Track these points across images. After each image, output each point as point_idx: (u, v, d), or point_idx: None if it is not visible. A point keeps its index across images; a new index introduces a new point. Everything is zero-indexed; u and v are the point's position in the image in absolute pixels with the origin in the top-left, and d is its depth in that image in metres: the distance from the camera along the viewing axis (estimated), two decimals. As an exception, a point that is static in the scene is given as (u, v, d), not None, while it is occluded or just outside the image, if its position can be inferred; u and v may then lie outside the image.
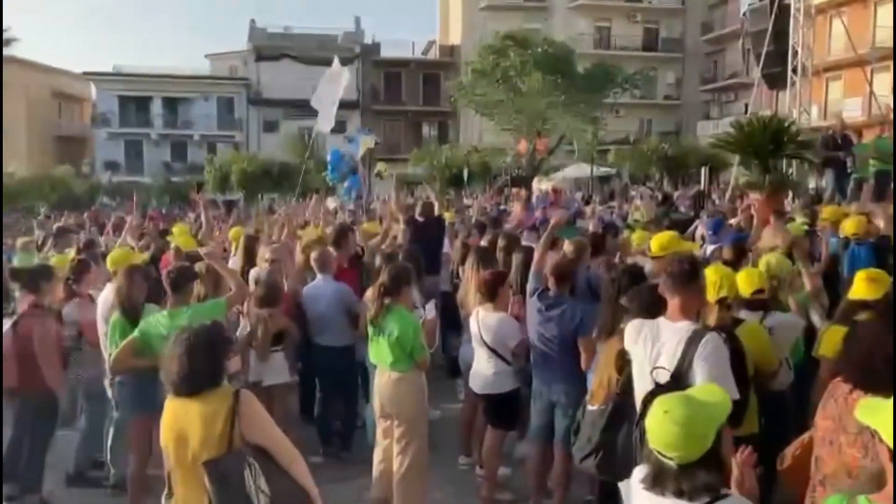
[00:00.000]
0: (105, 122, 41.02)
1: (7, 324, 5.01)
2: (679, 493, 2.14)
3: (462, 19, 42.38)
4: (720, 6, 41.78)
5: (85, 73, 42.18)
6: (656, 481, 2.19)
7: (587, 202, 18.00)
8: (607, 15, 43.26)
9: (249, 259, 6.59)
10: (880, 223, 6.48)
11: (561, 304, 4.51)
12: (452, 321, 6.60)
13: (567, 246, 5.15)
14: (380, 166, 22.58)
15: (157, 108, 41.81)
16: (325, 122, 13.63)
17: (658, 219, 10.16)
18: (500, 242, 6.26)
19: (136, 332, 4.46)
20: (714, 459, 2.15)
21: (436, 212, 8.47)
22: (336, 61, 14.20)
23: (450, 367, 7.12)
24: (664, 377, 3.09)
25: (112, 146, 40.99)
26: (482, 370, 4.94)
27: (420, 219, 8.16)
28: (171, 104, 41.98)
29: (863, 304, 3.89)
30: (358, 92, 42.23)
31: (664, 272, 3.30)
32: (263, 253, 6.39)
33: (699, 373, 3.00)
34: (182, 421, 2.74)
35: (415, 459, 4.60)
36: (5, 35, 34.86)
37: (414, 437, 4.62)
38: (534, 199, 18.74)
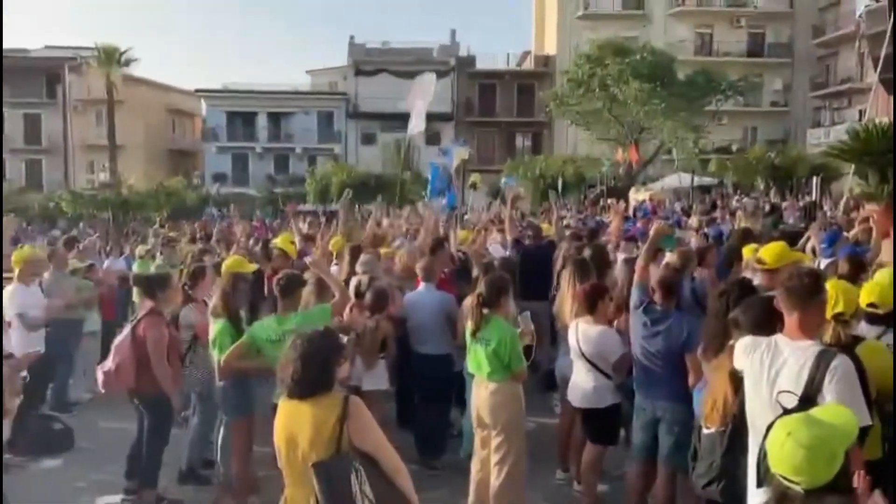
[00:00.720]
0: (214, 136, 43.24)
1: (127, 328, 5.36)
2: None
3: (557, 29, 42.11)
4: (831, 8, 39.66)
5: (196, 91, 44.64)
6: None
7: (687, 213, 17.42)
8: (709, 21, 41.88)
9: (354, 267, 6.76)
10: None
11: (668, 317, 4.38)
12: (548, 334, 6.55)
13: (672, 256, 4.99)
14: (474, 177, 22.67)
15: (261, 122, 43.70)
16: (415, 125, 13.86)
17: (766, 231, 9.74)
18: (589, 254, 6.16)
19: (245, 336, 4.67)
20: (843, 483, 2.03)
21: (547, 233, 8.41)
22: (428, 74, 14.39)
23: (545, 380, 7.06)
24: (790, 402, 2.92)
25: (220, 159, 43.14)
26: (581, 383, 4.87)
27: (527, 241, 8.16)
28: (274, 119, 43.77)
29: None
30: (452, 104, 42.69)
31: (782, 286, 3.09)
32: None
33: (830, 398, 2.82)
34: (294, 423, 2.84)
35: (512, 470, 4.58)
36: (126, 55, 37.42)
37: (511, 447, 4.60)
38: (630, 209, 18.32)
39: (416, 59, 43.34)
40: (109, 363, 5.23)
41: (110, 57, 36.84)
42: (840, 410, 2.35)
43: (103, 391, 5.53)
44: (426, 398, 6.05)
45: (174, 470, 5.73)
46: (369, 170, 33.40)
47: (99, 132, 41.20)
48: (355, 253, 6.84)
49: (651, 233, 4.93)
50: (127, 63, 37.79)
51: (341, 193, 30.06)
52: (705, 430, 3.42)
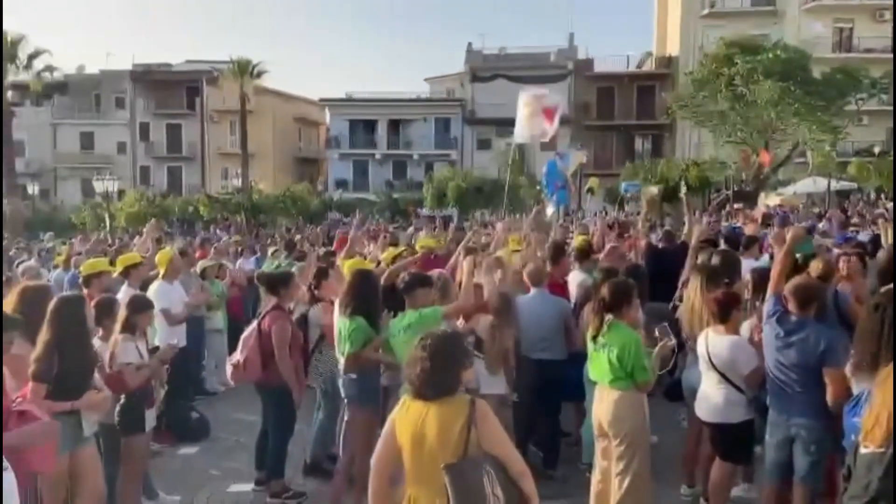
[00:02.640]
0: (337, 143, 44.95)
1: (254, 324, 5.62)
2: None
3: (680, 29, 40.69)
4: None
5: (321, 100, 46.57)
6: None
7: (820, 219, 16.31)
8: (849, 15, 39.11)
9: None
10: None
11: (803, 328, 4.10)
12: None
13: (814, 265, 4.67)
14: (591, 181, 22.31)
15: (381, 130, 44.99)
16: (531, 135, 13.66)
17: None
18: (718, 261, 5.86)
19: (383, 332, 4.81)
20: None
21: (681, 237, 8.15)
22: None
23: (670, 391, 6.80)
24: None
25: (342, 166, 44.76)
26: (711, 396, 4.64)
27: (660, 245, 7.92)
28: (393, 126, 44.95)
29: None
30: (570, 108, 42.16)
31: None
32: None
33: None
34: (420, 423, 2.87)
35: (635, 481, 4.43)
36: (257, 68, 39.57)
37: (634, 458, 4.46)
38: (760, 215, 17.32)
39: (532, 64, 43.22)
40: (238, 356, 5.51)
41: (243, 69, 39.06)
42: None
43: (233, 384, 5.84)
44: (542, 405, 5.97)
45: (300, 462, 5.97)
46: (484, 174, 33.57)
47: (233, 140, 43.84)
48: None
49: (787, 238, 4.62)
50: (259, 75, 39.92)
51: (457, 198, 30.60)
52: (863, 450, 3.15)
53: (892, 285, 4.91)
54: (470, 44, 45.72)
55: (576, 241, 8.72)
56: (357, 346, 4.95)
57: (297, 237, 13.81)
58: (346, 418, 5.66)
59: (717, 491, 4.68)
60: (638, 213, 26.49)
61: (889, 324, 3.36)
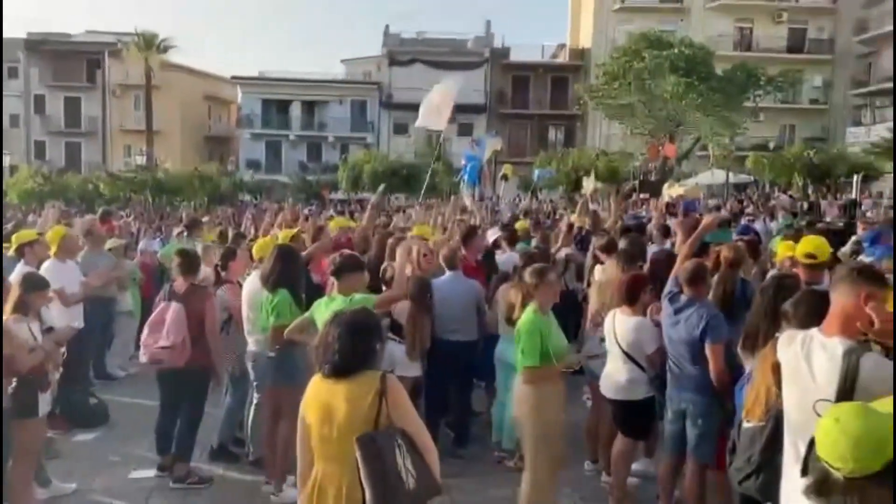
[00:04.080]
0: (249, 123, 43.70)
1: (173, 306, 5.35)
2: None
3: (593, 22, 41.71)
4: (877, 4, 38.59)
5: (233, 78, 45.10)
6: (821, 491, 2.06)
7: (718, 210, 17.17)
8: (749, 15, 41.12)
9: (383, 253, 6.76)
10: None
11: (690, 306, 4.32)
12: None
13: (723, 251, 4.90)
14: (506, 168, 22.62)
15: (295, 110, 44.04)
16: (431, 122, 13.81)
17: (801, 229, 9.55)
18: (624, 245, 6.08)
19: (308, 312, 4.62)
20: (889, 476, 1.99)
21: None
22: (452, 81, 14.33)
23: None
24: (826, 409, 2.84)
25: (254, 146, 43.59)
26: (615, 375, 4.81)
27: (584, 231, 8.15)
28: (308, 107, 44.08)
29: None
30: (486, 96, 42.55)
31: (835, 273, 2.99)
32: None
33: (862, 396, 2.74)
34: (329, 399, 2.85)
35: (532, 478, 4.43)
36: (164, 42, 37.95)
37: (532, 451, 4.42)
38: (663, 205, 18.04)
39: (450, 50, 43.34)
40: (169, 339, 5.16)
41: (149, 43, 37.40)
42: (891, 402, 2.29)
43: (161, 364, 5.48)
44: (455, 385, 6.04)
45: (205, 447, 5.82)
46: (401, 159, 33.47)
47: (137, 117, 41.93)
48: (384, 240, 6.84)
49: (701, 225, 4.79)
50: (165, 49, 38.32)
51: (373, 182, 30.39)
52: (746, 424, 3.35)
53: (777, 272, 5.24)
54: (387, 26, 45.45)
55: (520, 225, 8.94)
56: (282, 319, 4.83)
57: (205, 218, 13.37)
58: (254, 402, 5.58)
59: (619, 466, 4.87)
60: (551, 201, 27.17)
61: (771, 307, 3.56)
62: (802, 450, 2.43)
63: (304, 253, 5.92)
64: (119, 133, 43.78)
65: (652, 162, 29.23)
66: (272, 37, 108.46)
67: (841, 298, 2.85)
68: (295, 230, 7.27)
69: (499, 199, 21.95)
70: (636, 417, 4.78)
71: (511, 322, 5.50)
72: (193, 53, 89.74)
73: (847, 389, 2.75)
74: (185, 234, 9.79)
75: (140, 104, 40.68)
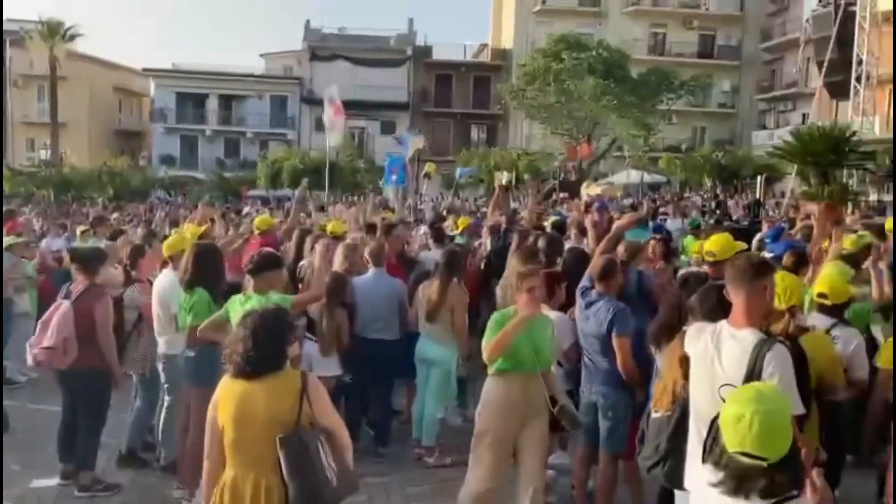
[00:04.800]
0: (162, 117, 42.17)
1: (65, 304, 5.12)
2: (758, 494, 2.09)
3: (514, 23, 42.29)
4: (780, 13, 40.78)
5: (145, 70, 43.41)
6: (739, 484, 2.12)
7: (634, 209, 17.75)
8: (663, 20, 42.62)
9: (300, 252, 6.67)
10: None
11: (599, 300, 4.44)
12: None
13: (621, 248, 5.07)
14: (428, 167, 22.66)
15: (212, 104, 42.79)
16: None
17: (711, 227, 9.98)
18: (542, 244, 6.21)
19: (223, 310, 4.49)
20: (793, 459, 2.09)
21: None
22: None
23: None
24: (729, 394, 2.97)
25: (168, 141, 42.10)
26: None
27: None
28: (226, 101, 42.92)
29: None
30: (408, 94, 42.52)
31: (729, 267, 3.11)
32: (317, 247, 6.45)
33: None
34: (245, 402, 2.78)
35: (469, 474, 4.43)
36: (71, 31, 36.15)
37: (476, 447, 4.39)
38: (583, 204, 18.53)
39: (373, 47, 43.07)
40: (51, 340, 4.98)
41: (54, 31, 35.50)
42: (775, 386, 2.42)
43: (43, 366, 5.25)
44: (376, 384, 6.00)
45: (113, 453, 5.58)
46: (322, 156, 33.04)
47: (41, 109, 39.78)
48: (302, 237, 6.74)
49: (616, 225, 4.93)
50: (72, 38, 36.47)
51: (293, 179, 29.89)
52: (654, 414, 3.47)
53: (694, 269, 5.46)
54: (308, 21, 44.70)
55: (460, 222, 9.00)
56: (199, 320, 4.66)
57: (114, 215, 12.82)
58: (166, 404, 5.38)
59: (537, 458, 4.94)
60: (476, 200, 27.40)
61: (679, 303, 3.71)
62: None
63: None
64: (21, 126, 41.40)
65: (571, 162, 29.92)
66: (187, 28, 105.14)
67: (744, 293, 2.99)
68: (203, 228, 7.07)
69: (421, 198, 21.99)
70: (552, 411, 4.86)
71: (431, 319, 5.53)
72: (102, 43, 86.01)
73: (753, 378, 2.89)
74: (92, 232, 9.37)
75: (44, 96, 38.61)
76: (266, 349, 2.78)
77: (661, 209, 16.71)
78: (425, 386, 5.74)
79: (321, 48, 42.91)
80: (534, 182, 13.80)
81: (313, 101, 42.24)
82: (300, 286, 5.85)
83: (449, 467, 5.60)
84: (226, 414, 2.82)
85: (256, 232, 7.92)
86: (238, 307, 4.26)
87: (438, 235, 8.03)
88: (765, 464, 2.05)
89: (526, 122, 37.01)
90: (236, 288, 5.52)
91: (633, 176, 29.99)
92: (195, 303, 4.78)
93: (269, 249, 5.17)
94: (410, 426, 6.02)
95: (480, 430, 4.32)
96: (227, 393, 2.84)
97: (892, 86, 25.21)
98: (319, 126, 41.83)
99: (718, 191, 24.98)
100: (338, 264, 5.56)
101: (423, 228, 9.64)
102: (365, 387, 6.01)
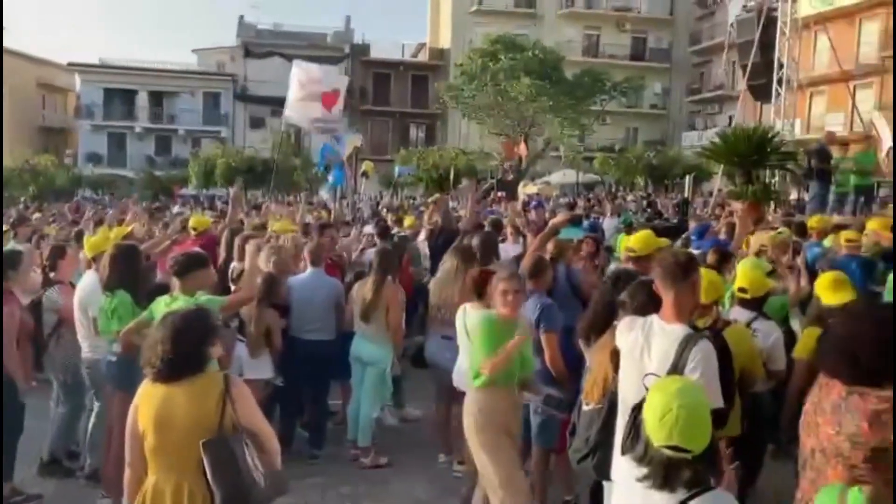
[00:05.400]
0: (89, 114, 40.69)
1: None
2: (685, 484, 2.15)
3: (452, 23, 42.46)
4: (708, 18, 42.15)
5: (70, 65, 41.78)
6: (665, 476, 2.17)
7: (571, 208, 18.07)
8: (597, 23, 43.50)
9: (231, 252, 6.53)
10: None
11: (530, 297, 4.50)
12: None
13: (548, 245, 5.16)
14: (366, 165, 22.55)
15: (142, 101, 41.54)
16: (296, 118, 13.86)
17: (643, 225, 10.23)
18: (476, 243, 6.26)
19: (146, 312, 4.35)
20: (713, 448, 2.17)
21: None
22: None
23: (416, 363, 7.14)
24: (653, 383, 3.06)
25: (95, 138, 40.65)
26: (467, 368, 4.90)
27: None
28: (156, 98, 41.73)
29: (833, 308, 3.93)
30: (346, 92, 42.16)
31: (658, 265, 3.21)
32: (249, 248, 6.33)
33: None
34: (165, 406, 2.71)
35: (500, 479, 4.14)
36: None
37: (490, 458, 4.12)
38: (520, 203, 18.80)
39: (309, 44, 42.54)
40: None
41: (-30, 22, 33.79)
42: (693, 381, 2.50)
43: None
44: (311, 386, 5.93)
45: (33, 462, 5.34)
46: (257, 154, 32.43)
47: (-43, 104, 37.80)
48: (232, 238, 6.60)
49: (551, 223, 5.00)
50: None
51: (226, 177, 29.27)
52: (585, 407, 3.53)
53: (623, 266, 5.58)
54: (242, 17, 43.85)
55: (407, 222, 8.90)
56: (124, 322, 4.51)
57: (36, 215, 12.30)
58: (94, 410, 5.18)
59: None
60: (414, 199, 27.37)
61: (609, 299, 3.80)
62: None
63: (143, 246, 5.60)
64: (-65, 121, 39.32)
65: (508, 161, 30.23)
66: (115, 21, 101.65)
67: (673, 290, 3.10)
68: (128, 228, 6.86)
69: (359, 197, 21.87)
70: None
71: (366, 318, 5.50)
72: (24, 37, 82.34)
73: (677, 371, 2.99)
74: (13, 234, 8.96)
75: (-39, 90, 36.71)
76: (186, 351, 2.71)
77: (595, 208, 17.07)
78: (360, 386, 5.71)
79: (255, 44, 42.18)
80: (471, 182, 13.87)
81: (247, 98, 41.50)
82: (232, 288, 5.73)
83: (384, 467, 5.61)
84: (146, 418, 2.74)
85: (193, 233, 7.72)
86: (163, 309, 4.13)
87: (384, 233, 8.02)
88: (689, 456, 2.12)
89: (464, 122, 37.21)
90: (168, 290, 5.38)
91: (569, 175, 30.56)
92: (117, 306, 4.63)
93: (196, 249, 5.03)
94: (346, 427, 5.98)
95: (493, 443, 4.07)
96: (147, 397, 2.77)
97: (811, 90, 26.45)
98: (254, 123, 41.35)
99: (650, 190, 25.66)
100: (263, 265, 5.46)
101: (368, 228, 9.59)
102: (300, 388, 5.95)
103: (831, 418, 2.57)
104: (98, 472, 5.04)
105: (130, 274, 4.76)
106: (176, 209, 19.47)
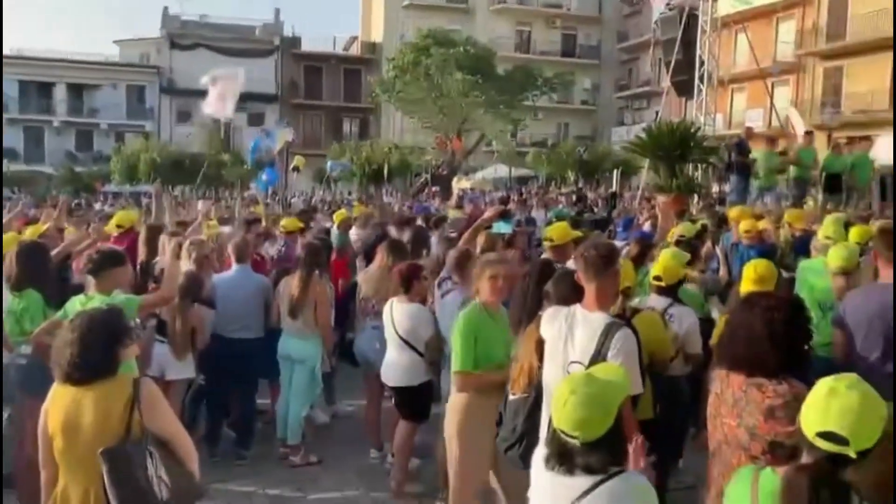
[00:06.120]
0: (3, 107, 38.69)
1: None
2: (582, 470, 2.18)
3: (384, 17, 42.26)
4: (635, 15, 43.21)
5: (-19, 55, 39.66)
6: (560, 460, 2.22)
7: (505, 202, 18.26)
8: (528, 19, 44.03)
9: (152, 250, 6.32)
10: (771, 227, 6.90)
11: (453, 290, 4.53)
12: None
13: (479, 239, 5.21)
14: (297, 160, 22.23)
15: (60, 94, 39.79)
16: (218, 109, 13.79)
17: (572, 219, 10.44)
18: (410, 237, 6.27)
19: (60, 312, 4.16)
20: (616, 436, 2.20)
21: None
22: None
23: (348, 358, 7.11)
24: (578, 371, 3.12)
25: (10, 133, 38.68)
26: (395, 362, 4.89)
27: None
28: (76, 90, 40.08)
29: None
30: (276, 85, 41.45)
31: (580, 256, 3.28)
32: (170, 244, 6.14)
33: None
34: (74, 409, 2.61)
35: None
36: None
37: (456, 474, 4.05)
38: (454, 198, 18.89)
39: (237, 37, 41.61)
40: None
41: None
42: (614, 368, 2.55)
43: None
44: (238, 385, 5.80)
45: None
46: (184, 149, 31.55)
47: None
48: (152, 235, 6.39)
49: (481, 218, 5.04)
50: None
51: (150, 173, 28.37)
52: (511, 397, 3.57)
53: (540, 258, 5.66)
54: (166, 8, 42.46)
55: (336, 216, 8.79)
56: (36, 324, 4.31)
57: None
58: (5, 416, 4.94)
59: (402, 448, 4.98)
60: (350, 193, 27.14)
61: (534, 289, 3.85)
62: None
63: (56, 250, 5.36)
64: None
65: (442, 156, 30.33)
66: (31, 10, 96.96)
67: (595, 280, 3.18)
68: (43, 226, 6.57)
69: (291, 192, 21.54)
70: (416, 402, 4.91)
71: (294, 315, 5.41)
72: (-70, 24, 77.39)
73: (600, 357, 3.07)
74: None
75: None
76: (95, 353, 2.61)
77: (528, 202, 17.30)
78: (289, 384, 5.62)
79: (181, 36, 40.97)
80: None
81: (174, 92, 40.26)
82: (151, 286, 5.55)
83: (315, 465, 5.55)
84: (55, 422, 2.64)
85: (117, 230, 7.42)
86: (78, 308, 3.97)
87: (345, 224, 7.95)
88: (578, 443, 2.16)
89: (399, 116, 37.13)
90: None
91: (502, 170, 30.89)
92: (27, 306, 4.43)
93: (112, 246, 4.85)
94: (275, 426, 5.88)
95: (464, 451, 3.95)
96: (56, 400, 2.66)
97: (733, 86, 27.44)
98: (181, 118, 40.16)
99: (581, 184, 26.16)
100: (184, 262, 5.31)
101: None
102: (226, 388, 5.81)
103: (732, 410, 2.68)
104: (10, 478, 4.81)
105: (39, 272, 4.56)
106: (98, 206, 18.76)
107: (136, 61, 42.01)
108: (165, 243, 5.77)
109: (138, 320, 4.31)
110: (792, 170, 12.33)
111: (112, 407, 2.59)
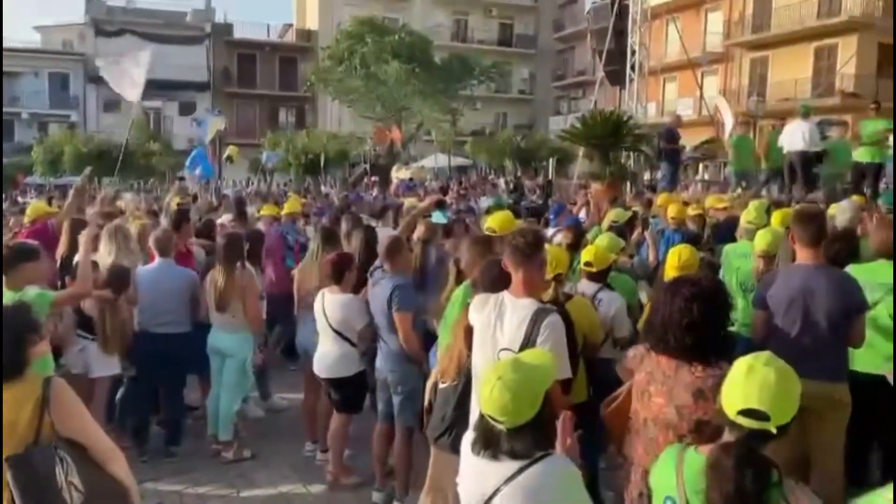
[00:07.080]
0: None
1: None
2: (507, 455, 2.19)
3: (319, 4, 41.56)
4: (570, 5, 43.69)
5: None
6: (486, 445, 2.22)
7: (445, 191, 18.26)
8: (465, 8, 44.00)
9: (74, 244, 6.05)
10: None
11: (384, 279, 4.50)
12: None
13: (419, 228, 5.17)
14: (230, 150, 21.69)
15: (-24, 82, 37.79)
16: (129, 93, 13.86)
17: (510, 207, 10.51)
18: (345, 226, 6.18)
19: None
20: (541, 421, 2.21)
21: None
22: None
23: (287, 353, 7.00)
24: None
25: (-79, 123, 36.64)
26: (328, 354, 4.83)
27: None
28: (-6, 78, 38.10)
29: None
30: (208, 73, 40.34)
31: (507, 244, 3.28)
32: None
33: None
34: None
35: None
36: None
37: None
38: (393, 187, 18.80)
39: (166, 23, 40.29)
40: None
41: None
42: (541, 354, 2.56)
43: None
44: (166, 380, 5.63)
45: None
46: (112, 139, 30.37)
47: None
48: (75, 228, 6.13)
49: (418, 208, 5.01)
50: None
51: (75, 164, 27.24)
52: (441, 385, 3.56)
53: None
54: (90, -8, 40.77)
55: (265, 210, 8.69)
56: None
57: None
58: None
59: (336, 440, 4.92)
60: (286, 184, 26.63)
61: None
62: None
63: None
64: None
65: (380, 145, 30.08)
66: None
67: (522, 268, 3.18)
68: None
69: (223, 182, 21.03)
70: (349, 393, 4.86)
71: (221, 308, 5.28)
72: None
73: (530, 343, 3.07)
74: None
75: None
76: (1, 353, 2.47)
77: (467, 195, 17.35)
78: (219, 378, 5.48)
79: (106, 22, 39.38)
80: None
81: (100, 80, 38.56)
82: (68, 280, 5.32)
83: (249, 461, 5.44)
84: (-42, 427, 2.47)
85: (26, 221, 7.12)
86: None
87: (242, 220, 7.77)
88: (504, 428, 2.17)
89: (336, 105, 36.63)
90: None
91: (441, 159, 30.85)
92: None
93: (24, 240, 4.62)
94: (206, 421, 5.73)
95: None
96: (-42, 403, 2.49)
97: (664, 76, 28.07)
98: (108, 107, 38.62)
99: (518, 173, 26.39)
100: (103, 255, 5.11)
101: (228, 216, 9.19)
102: (154, 384, 5.64)
103: (662, 389, 2.73)
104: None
105: None
106: (20, 199, 17.93)
107: (59, 48, 40.19)
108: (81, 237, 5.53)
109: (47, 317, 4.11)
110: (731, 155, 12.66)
111: (20, 409, 2.45)
